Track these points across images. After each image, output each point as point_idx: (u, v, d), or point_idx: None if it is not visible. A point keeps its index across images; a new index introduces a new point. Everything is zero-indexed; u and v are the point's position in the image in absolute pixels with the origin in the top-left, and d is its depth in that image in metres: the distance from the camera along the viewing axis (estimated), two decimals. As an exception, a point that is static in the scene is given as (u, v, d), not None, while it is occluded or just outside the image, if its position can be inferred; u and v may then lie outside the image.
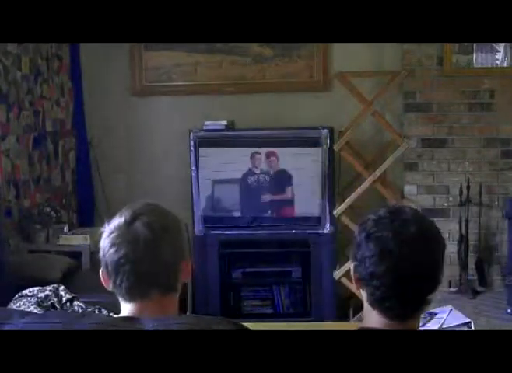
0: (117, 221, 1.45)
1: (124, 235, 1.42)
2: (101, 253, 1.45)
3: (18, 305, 2.51)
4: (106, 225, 1.46)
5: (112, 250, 1.42)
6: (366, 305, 1.44)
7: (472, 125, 4.49)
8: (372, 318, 1.42)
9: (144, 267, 1.41)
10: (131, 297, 1.42)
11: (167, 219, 1.49)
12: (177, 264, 1.46)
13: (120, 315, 1.43)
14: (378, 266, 1.37)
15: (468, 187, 4.36)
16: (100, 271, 1.47)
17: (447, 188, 4.53)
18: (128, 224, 1.43)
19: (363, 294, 1.43)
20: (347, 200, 4.11)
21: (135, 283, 1.41)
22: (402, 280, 1.37)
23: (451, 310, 2.46)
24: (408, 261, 1.36)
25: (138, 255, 1.41)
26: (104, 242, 1.44)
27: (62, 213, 4.44)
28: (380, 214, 1.42)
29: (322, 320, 4.05)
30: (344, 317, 4.13)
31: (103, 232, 1.45)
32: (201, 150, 4.19)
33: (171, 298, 1.46)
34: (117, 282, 1.42)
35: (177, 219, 1.52)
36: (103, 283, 1.48)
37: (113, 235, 1.43)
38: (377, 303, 1.40)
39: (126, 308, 1.43)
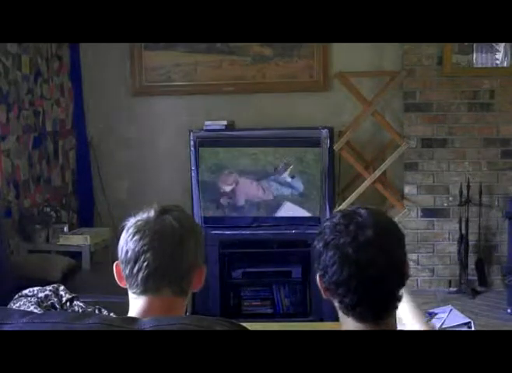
0: (145, 214, 1.44)
1: (152, 225, 1.42)
2: (121, 242, 1.43)
3: (18, 305, 2.51)
4: (129, 219, 1.45)
5: (137, 237, 1.40)
6: (340, 313, 1.42)
7: (472, 125, 4.49)
8: (349, 324, 1.40)
9: (166, 259, 1.40)
10: (144, 289, 1.40)
11: (194, 222, 1.51)
12: (194, 269, 1.45)
13: (130, 312, 1.43)
14: (341, 274, 1.36)
15: (468, 187, 4.37)
16: (115, 264, 1.46)
17: (447, 188, 4.54)
18: (157, 216, 1.43)
19: (335, 303, 1.42)
20: (347, 200, 4.11)
21: (152, 272, 1.39)
22: (367, 283, 1.35)
23: (451, 310, 2.46)
24: (370, 264, 1.35)
25: (163, 245, 1.40)
26: (127, 231, 1.43)
27: (62, 213, 4.44)
28: (335, 221, 1.40)
29: (322, 320, 4.05)
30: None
31: (125, 225, 1.44)
32: (201, 150, 4.19)
33: (181, 302, 1.45)
34: (134, 270, 1.40)
35: (200, 227, 1.55)
36: (116, 275, 1.46)
37: (139, 223, 1.42)
38: (349, 310, 1.39)
39: (136, 304, 1.42)
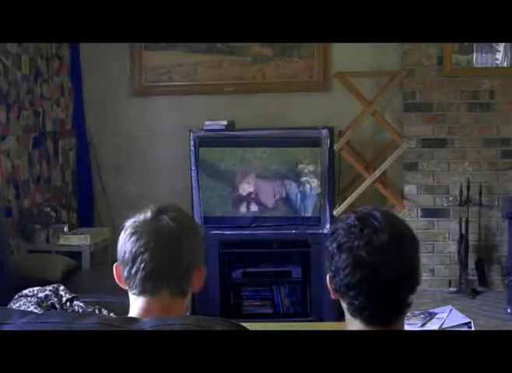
0: (142, 214, 1.44)
1: (149, 225, 1.42)
2: (120, 243, 1.43)
3: (18, 305, 2.51)
4: (127, 220, 1.45)
5: (134, 238, 1.41)
6: (347, 314, 1.42)
7: (472, 125, 4.49)
8: (355, 327, 1.40)
9: (163, 259, 1.40)
10: (142, 289, 1.40)
11: (193, 222, 1.51)
12: (193, 269, 1.45)
13: (130, 312, 1.43)
14: (353, 277, 1.35)
15: (468, 187, 4.37)
16: (115, 265, 1.46)
17: (447, 188, 4.53)
18: (154, 216, 1.43)
19: (343, 305, 1.41)
20: (347, 200, 4.11)
21: (150, 273, 1.39)
22: (378, 288, 1.35)
23: (451, 310, 2.46)
24: (383, 269, 1.33)
25: (160, 245, 1.40)
26: (125, 232, 1.43)
27: (62, 213, 4.44)
28: (350, 223, 1.38)
29: (322, 320, 4.05)
30: (344, 317, 4.12)
31: (123, 227, 1.45)
32: (201, 150, 4.19)
33: (180, 303, 1.45)
34: (133, 271, 1.40)
35: (200, 227, 1.54)
36: (116, 276, 1.46)
37: (136, 224, 1.42)
38: (358, 313, 1.38)
39: (135, 305, 1.42)
